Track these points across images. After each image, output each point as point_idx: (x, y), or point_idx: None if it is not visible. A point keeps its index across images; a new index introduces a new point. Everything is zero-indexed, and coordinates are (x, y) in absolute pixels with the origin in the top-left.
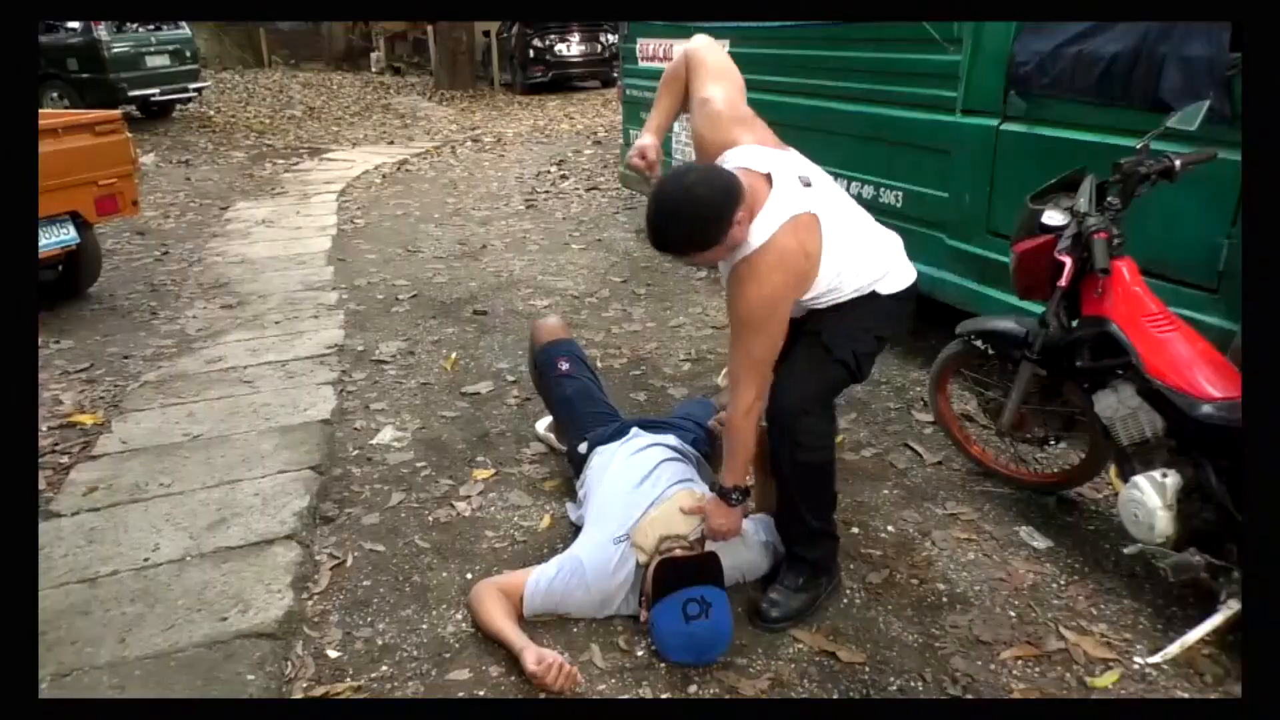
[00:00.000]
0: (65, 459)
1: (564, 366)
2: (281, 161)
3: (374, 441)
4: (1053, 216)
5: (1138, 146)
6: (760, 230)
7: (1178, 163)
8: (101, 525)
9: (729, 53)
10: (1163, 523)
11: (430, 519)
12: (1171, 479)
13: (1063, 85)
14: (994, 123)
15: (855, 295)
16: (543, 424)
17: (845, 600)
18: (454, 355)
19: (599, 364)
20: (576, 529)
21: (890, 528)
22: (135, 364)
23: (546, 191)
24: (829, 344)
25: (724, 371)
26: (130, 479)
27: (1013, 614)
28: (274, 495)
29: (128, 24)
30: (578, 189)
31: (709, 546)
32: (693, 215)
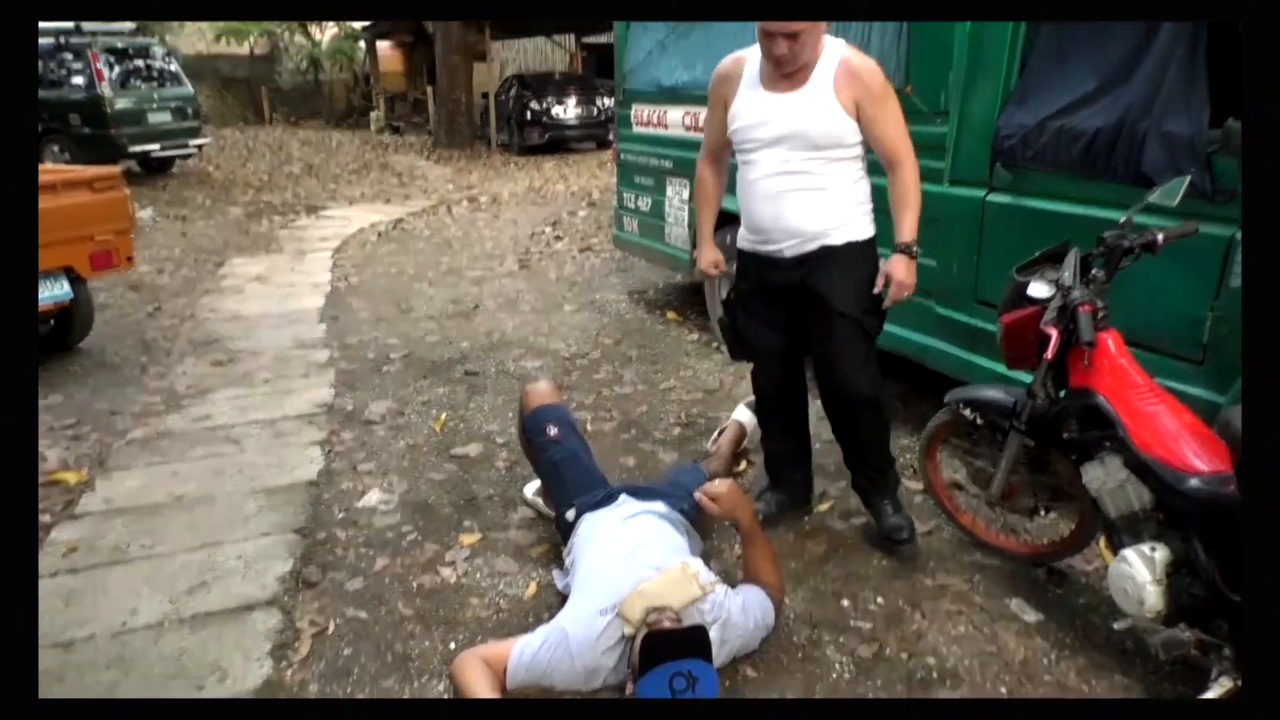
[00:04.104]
0: (47, 518)
1: (553, 432)
2: (278, 218)
3: (360, 504)
4: (1038, 288)
5: (1121, 220)
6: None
7: (1160, 237)
8: (80, 587)
9: None
10: (1152, 597)
11: (415, 585)
12: (1160, 553)
13: (1047, 159)
14: (980, 194)
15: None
16: (531, 488)
17: (834, 675)
18: (443, 416)
19: (589, 427)
20: (563, 598)
21: (880, 599)
22: (123, 420)
23: (540, 252)
24: (844, 310)
25: (714, 435)
26: (111, 539)
27: (1003, 690)
28: (256, 559)
29: (132, 80)
30: (571, 250)
31: (693, 620)
32: None
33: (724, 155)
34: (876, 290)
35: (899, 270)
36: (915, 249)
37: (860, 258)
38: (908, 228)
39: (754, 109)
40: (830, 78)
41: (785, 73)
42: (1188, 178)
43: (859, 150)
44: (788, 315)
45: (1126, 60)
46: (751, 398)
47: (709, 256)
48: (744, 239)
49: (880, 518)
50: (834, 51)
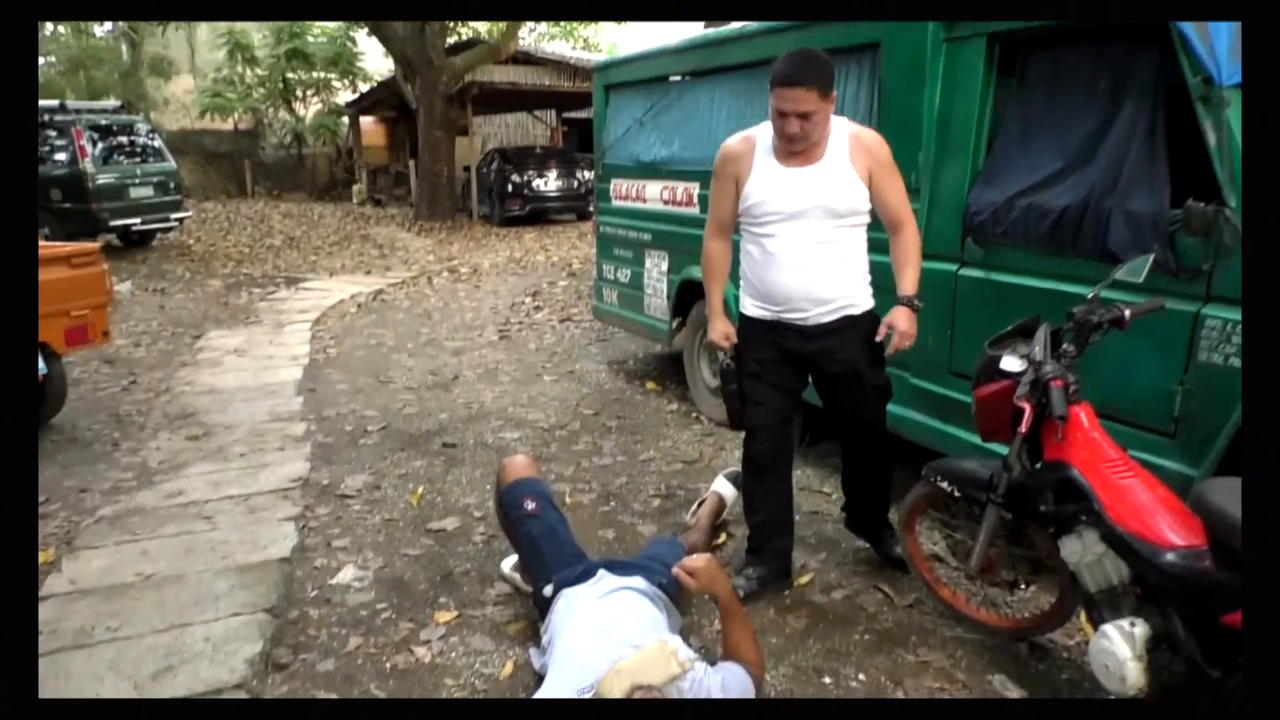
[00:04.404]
0: None
1: (530, 506)
2: (258, 290)
3: (334, 581)
4: (1011, 362)
5: (1089, 296)
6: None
7: (1127, 313)
8: (41, 673)
9: (700, 195)
10: (1134, 674)
11: (388, 665)
12: (1140, 628)
13: (1016, 235)
14: (953, 268)
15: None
16: (508, 563)
17: None
18: (420, 489)
19: (568, 499)
20: (540, 677)
21: (861, 676)
22: (92, 498)
23: (520, 322)
24: (877, 382)
25: (693, 507)
26: (76, 622)
27: None
28: (225, 640)
29: (115, 156)
30: (551, 320)
31: (675, 696)
32: (827, 59)
33: (731, 230)
34: (879, 338)
35: (902, 321)
36: (918, 302)
37: (876, 328)
38: (910, 282)
39: (773, 184)
40: (845, 150)
41: (798, 150)
42: (1152, 255)
43: (869, 218)
44: (803, 382)
45: (1089, 141)
46: (731, 469)
47: (721, 329)
48: (758, 308)
49: (883, 544)
50: (841, 126)
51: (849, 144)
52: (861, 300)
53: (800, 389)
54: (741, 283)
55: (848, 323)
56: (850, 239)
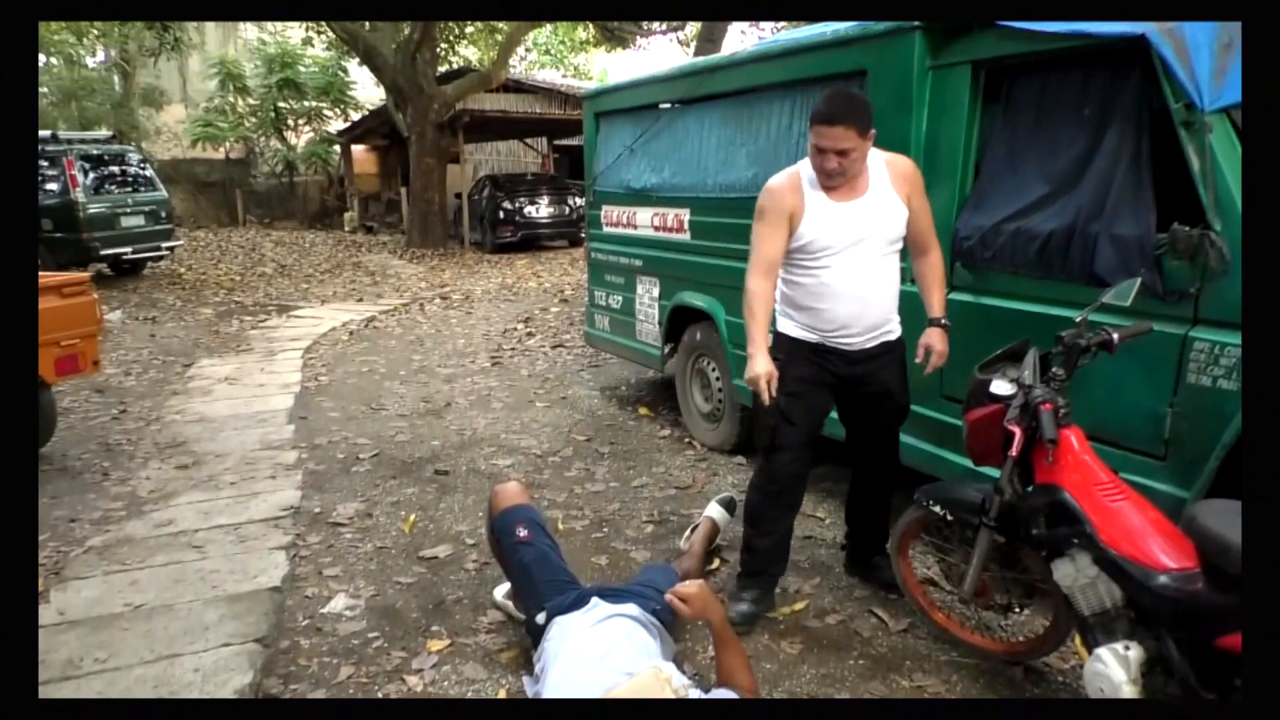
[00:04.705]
0: None
1: (522, 533)
2: (249, 318)
3: (325, 610)
4: (1000, 386)
5: (1077, 320)
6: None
7: (1115, 336)
8: None
9: (691, 221)
10: (1129, 697)
11: (380, 695)
12: (1134, 652)
13: (1004, 259)
14: None
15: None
16: (501, 590)
17: None
18: (412, 517)
19: (560, 525)
20: None
21: None
22: (81, 528)
23: (512, 349)
24: (902, 400)
25: (686, 533)
26: (63, 654)
27: None
28: (215, 671)
29: (106, 186)
30: (543, 346)
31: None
32: (865, 99)
33: (778, 269)
34: (918, 359)
35: (938, 342)
36: (946, 322)
37: (904, 353)
38: (939, 304)
39: (828, 219)
40: (886, 178)
41: (836, 185)
42: (1139, 279)
43: (902, 244)
44: (831, 406)
45: (1075, 166)
46: (725, 494)
47: (767, 367)
48: (803, 331)
49: (880, 570)
50: (874, 155)
51: (887, 172)
52: (896, 326)
53: (828, 412)
54: (782, 305)
55: (885, 348)
56: (893, 265)
